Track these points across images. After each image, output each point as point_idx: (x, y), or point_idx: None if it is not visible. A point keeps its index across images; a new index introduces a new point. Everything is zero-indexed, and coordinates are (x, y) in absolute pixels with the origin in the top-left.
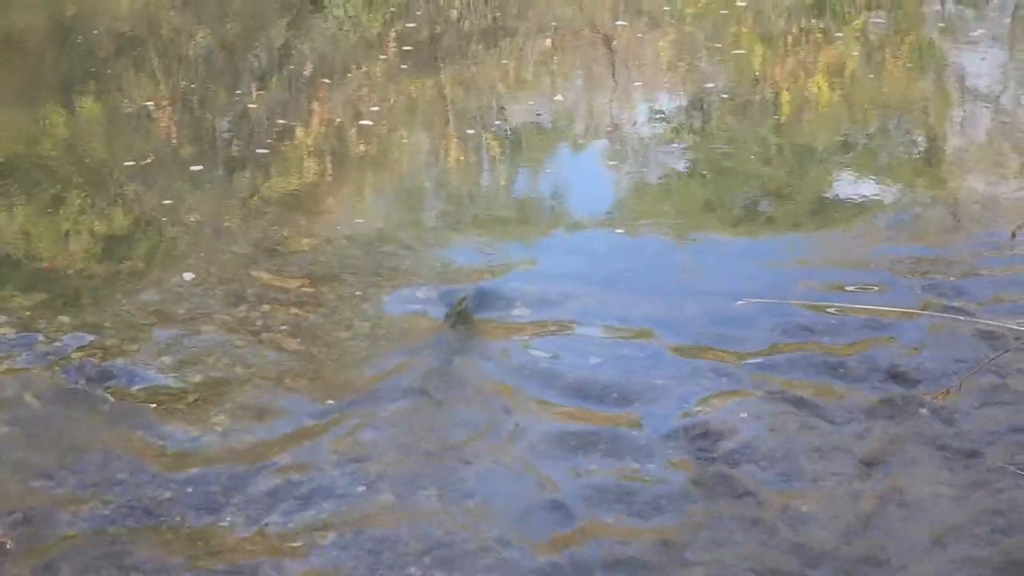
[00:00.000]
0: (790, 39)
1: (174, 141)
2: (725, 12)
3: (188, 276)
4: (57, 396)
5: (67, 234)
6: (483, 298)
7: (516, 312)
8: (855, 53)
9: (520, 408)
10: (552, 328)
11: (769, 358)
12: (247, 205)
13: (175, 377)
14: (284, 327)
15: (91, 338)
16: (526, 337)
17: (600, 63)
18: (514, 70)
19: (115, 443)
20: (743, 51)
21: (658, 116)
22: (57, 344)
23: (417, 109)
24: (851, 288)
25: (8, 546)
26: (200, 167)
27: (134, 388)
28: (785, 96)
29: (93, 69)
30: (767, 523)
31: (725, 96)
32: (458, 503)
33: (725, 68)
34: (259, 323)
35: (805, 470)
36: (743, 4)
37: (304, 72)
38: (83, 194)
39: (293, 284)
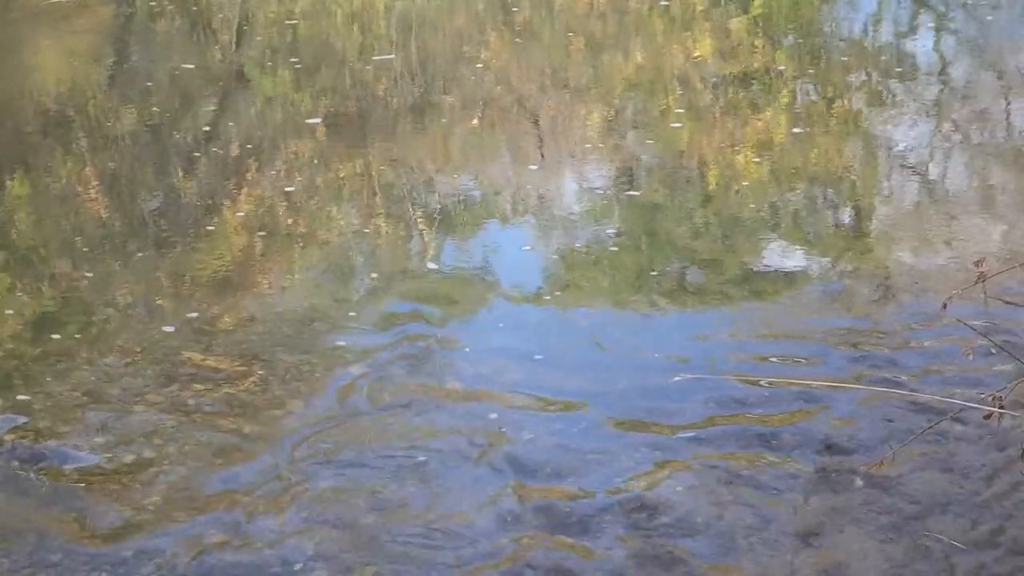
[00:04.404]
0: (718, 111)
1: (102, 220)
2: (652, 85)
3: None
4: None
5: None
6: (415, 372)
7: (448, 386)
8: (783, 124)
9: (453, 484)
10: (485, 402)
11: (704, 431)
12: (177, 284)
13: (108, 458)
14: (216, 406)
15: (22, 420)
16: (458, 412)
17: (528, 138)
18: (442, 146)
19: (48, 525)
20: (671, 123)
21: (587, 189)
22: None
23: (345, 186)
24: (783, 360)
25: None
26: (129, 246)
27: (67, 469)
28: (713, 168)
29: (20, 149)
30: None
31: (653, 168)
32: None
33: (653, 140)
34: (191, 403)
35: (742, 543)
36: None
37: (232, 150)
38: (11, 274)
39: (224, 363)
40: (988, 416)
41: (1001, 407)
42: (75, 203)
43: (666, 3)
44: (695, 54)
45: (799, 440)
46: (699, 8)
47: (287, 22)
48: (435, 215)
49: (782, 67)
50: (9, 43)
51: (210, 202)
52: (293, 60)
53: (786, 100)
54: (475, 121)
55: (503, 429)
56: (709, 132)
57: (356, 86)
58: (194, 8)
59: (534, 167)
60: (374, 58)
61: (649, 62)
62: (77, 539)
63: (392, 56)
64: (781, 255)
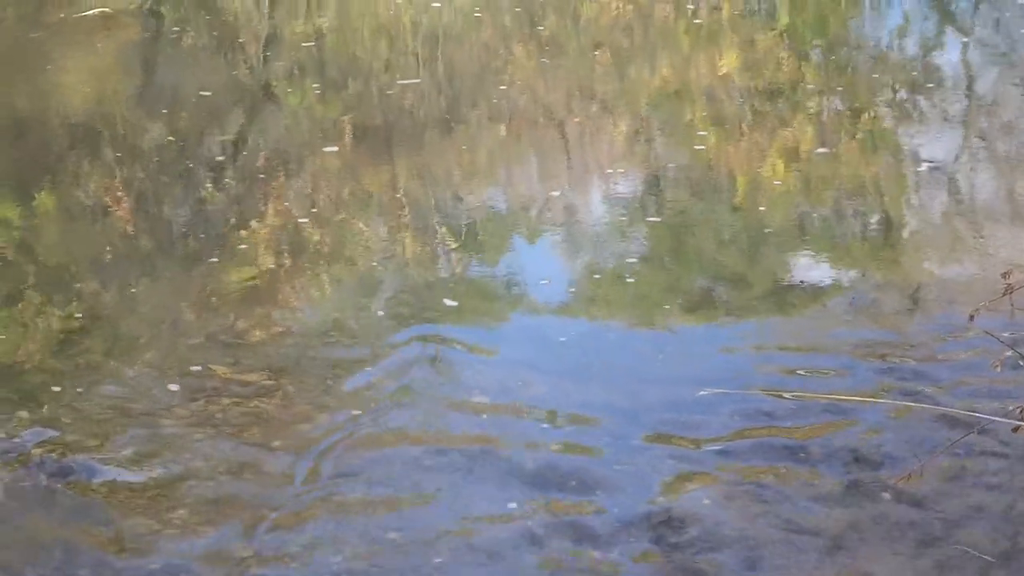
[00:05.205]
0: (744, 124)
1: (130, 234)
2: (679, 98)
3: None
4: (17, 492)
5: (24, 329)
6: (440, 385)
7: (475, 399)
8: (810, 137)
9: (480, 497)
10: (511, 415)
11: (730, 444)
12: (203, 298)
13: (135, 472)
14: (243, 420)
15: (51, 434)
16: (485, 425)
17: (555, 151)
18: (468, 159)
19: (76, 538)
20: (697, 136)
21: (613, 203)
22: (16, 440)
23: (372, 200)
24: (810, 373)
25: None
26: (156, 261)
27: (94, 483)
28: (741, 180)
29: (48, 163)
30: None
31: (680, 181)
32: None
33: (680, 153)
34: (218, 416)
35: (769, 557)
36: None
37: (259, 164)
38: (39, 289)
39: (251, 377)
40: (1016, 429)
41: None
42: (102, 217)
43: (698, 21)
44: (721, 68)
45: (826, 453)
46: (726, 21)
47: (305, 44)
48: (461, 229)
49: (810, 84)
50: (36, 56)
51: (237, 216)
52: (314, 85)
53: (813, 114)
54: (502, 132)
55: (529, 441)
56: (735, 144)
57: (382, 105)
58: (215, 33)
59: (561, 180)
60: (399, 81)
61: (675, 76)
62: (105, 552)
63: (419, 80)
64: (807, 267)
